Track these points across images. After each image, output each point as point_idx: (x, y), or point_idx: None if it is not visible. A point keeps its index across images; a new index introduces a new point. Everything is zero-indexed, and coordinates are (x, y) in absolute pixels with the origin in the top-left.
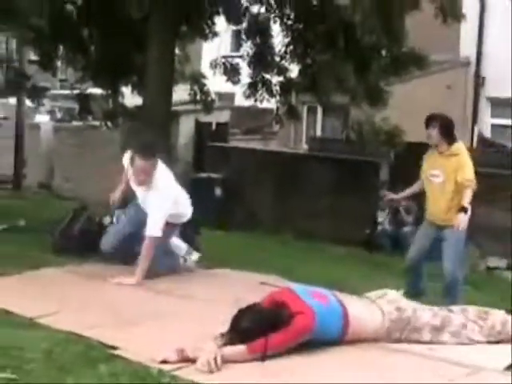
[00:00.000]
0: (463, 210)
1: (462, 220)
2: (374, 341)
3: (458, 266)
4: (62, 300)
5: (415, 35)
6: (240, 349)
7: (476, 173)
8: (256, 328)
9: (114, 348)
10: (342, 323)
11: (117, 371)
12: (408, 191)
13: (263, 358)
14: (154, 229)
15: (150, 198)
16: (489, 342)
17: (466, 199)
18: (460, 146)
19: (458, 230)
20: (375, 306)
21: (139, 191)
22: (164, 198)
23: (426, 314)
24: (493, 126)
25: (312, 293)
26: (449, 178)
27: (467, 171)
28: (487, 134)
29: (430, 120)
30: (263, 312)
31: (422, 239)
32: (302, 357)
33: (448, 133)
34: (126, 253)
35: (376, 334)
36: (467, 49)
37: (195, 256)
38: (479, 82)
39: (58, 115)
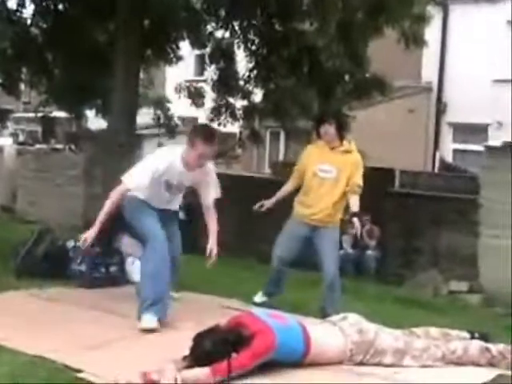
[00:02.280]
0: (355, 215)
1: (357, 226)
2: (337, 363)
3: (336, 263)
4: (25, 323)
5: (378, 61)
6: (203, 371)
7: (438, 197)
8: (217, 350)
9: (78, 371)
10: (303, 343)
11: None
12: (283, 191)
13: (228, 379)
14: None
15: None
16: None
17: (356, 205)
18: (351, 144)
19: (335, 231)
20: (337, 328)
21: None
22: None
23: (388, 336)
24: (454, 150)
25: (271, 314)
26: (342, 173)
27: (359, 176)
28: (449, 158)
29: (325, 118)
30: (223, 334)
31: (291, 241)
32: (268, 378)
33: (341, 131)
34: None
35: (338, 356)
36: (429, 74)
37: None
38: (441, 107)
39: (21, 138)
